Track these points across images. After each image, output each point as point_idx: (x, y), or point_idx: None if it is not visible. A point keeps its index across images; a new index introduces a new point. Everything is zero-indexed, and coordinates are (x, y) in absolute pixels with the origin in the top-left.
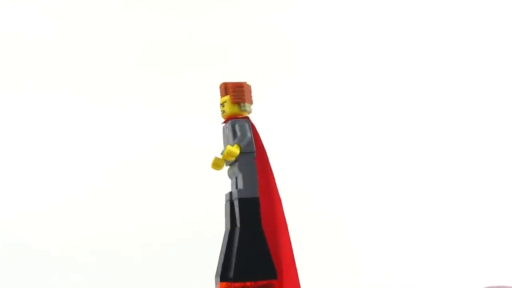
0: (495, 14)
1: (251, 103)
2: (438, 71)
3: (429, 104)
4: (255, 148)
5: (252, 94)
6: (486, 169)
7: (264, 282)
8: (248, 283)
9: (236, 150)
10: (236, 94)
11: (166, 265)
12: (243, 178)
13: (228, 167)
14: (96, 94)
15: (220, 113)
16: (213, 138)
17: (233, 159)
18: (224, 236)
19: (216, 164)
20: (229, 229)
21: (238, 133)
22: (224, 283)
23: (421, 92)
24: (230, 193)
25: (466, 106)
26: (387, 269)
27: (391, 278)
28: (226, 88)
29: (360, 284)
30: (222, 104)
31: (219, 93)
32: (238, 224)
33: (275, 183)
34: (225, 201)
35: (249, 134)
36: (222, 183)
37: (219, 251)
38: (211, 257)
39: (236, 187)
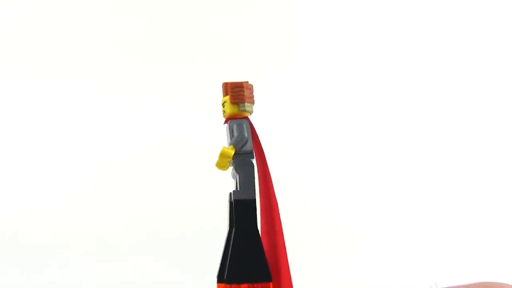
0: (495, 15)
1: (252, 103)
2: (441, 70)
3: (430, 104)
4: (252, 149)
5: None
6: (483, 168)
7: (259, 285)
8: (243, 285)
9: (230, 151)
10: (235, 94)
11: (168, 263)
12: (239, 179)
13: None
14: (99, 89)
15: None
16: (220, 138)
17: (229, 160)
18: (226, 237)
19: (220, 164)
20: (229, 229)
21: (235, 134)
22: (221, 285)
23: (422, 92)
24: (231, 193)
25: (465, 105)
26: (387, 269)
27: (391, 278)
28: (226, 88)
29: (360, 284)
30: (222, 104)
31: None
32: (234, 226)
33: (272, 185)
34: (228, 202)
35: (245, 135)
36: (229, 183)
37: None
38: (216, 257)
39: (236, 188)
